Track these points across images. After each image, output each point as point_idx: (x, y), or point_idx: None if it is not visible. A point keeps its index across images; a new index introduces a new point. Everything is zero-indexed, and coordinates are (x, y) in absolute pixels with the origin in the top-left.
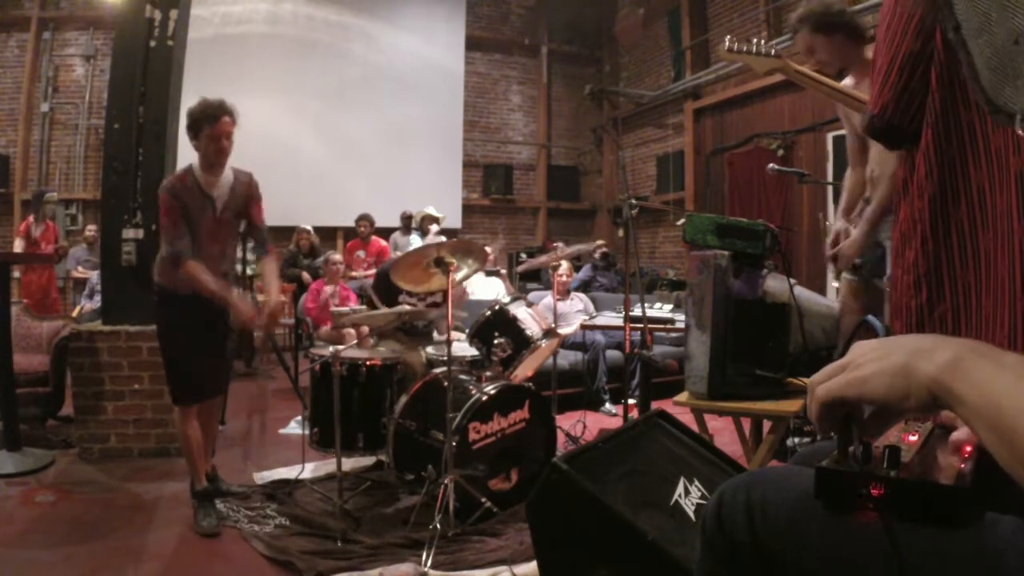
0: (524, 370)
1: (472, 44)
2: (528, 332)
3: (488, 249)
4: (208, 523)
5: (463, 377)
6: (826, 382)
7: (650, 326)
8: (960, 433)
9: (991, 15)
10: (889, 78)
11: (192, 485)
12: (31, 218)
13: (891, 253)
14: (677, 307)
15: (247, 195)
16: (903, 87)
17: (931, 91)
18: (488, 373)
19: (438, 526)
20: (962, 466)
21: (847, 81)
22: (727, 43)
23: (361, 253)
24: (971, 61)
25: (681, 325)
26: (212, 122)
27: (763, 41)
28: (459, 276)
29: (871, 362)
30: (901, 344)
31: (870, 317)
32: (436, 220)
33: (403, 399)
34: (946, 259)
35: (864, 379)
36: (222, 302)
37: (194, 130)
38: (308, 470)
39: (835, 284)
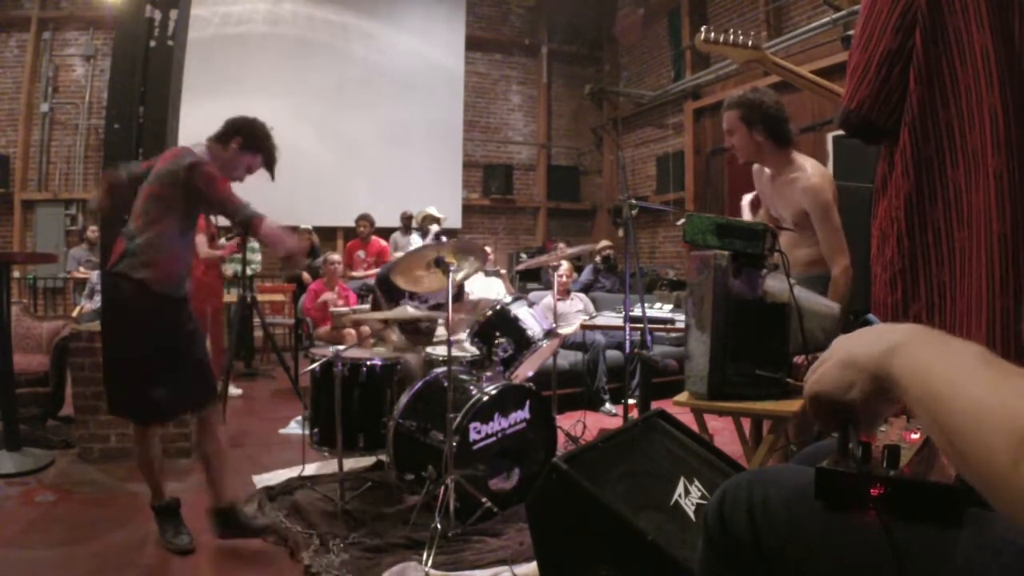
0: (524, 370)
1: (472, 44)
2: (529, 332)
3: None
4: (181, 540)
5: (463, 377)
6: (809, 380)
7: (650, 326)
8: None
9: None
10: (867, 74)
11: (151, 499)
12: None
13: (872, 249)
14: (677, 307)
15: None
16: (881, 83)
17: (909, 90)
18: (488, 373)
19: (438, 526)
20: None
21: (765, 171)
22: (703, 33)
23: (361, 253)
24: None
25: (681, 325)
26: (265, 157)
27: (739, 31)
28: (459, 276)
29: (828, 358)
30: (858, 336)
31: (870, 315)
32: (437, 220)
33: (403, 399)
34: (922, 257)
35: (820, 375)
36: (297, 251)
37: (247, 142)
38: (308, 470)
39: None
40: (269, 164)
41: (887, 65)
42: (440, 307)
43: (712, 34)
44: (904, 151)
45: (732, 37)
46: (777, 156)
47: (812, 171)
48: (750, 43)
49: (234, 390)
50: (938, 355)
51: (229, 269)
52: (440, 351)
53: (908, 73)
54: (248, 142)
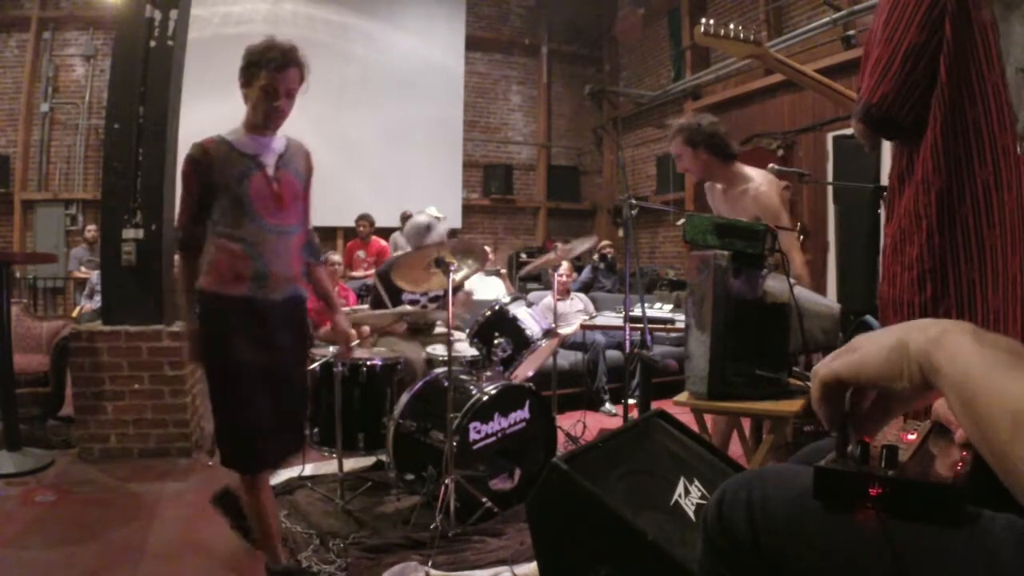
0: (524, 370)
1: (472, 44)
2: (528, 332)
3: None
4: None
5: (463, 377)
6: (829, 363)
7: (650, 326)
8: (961, 433)
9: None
10: (891, 69)
11: (266, 562)
12: None
13: (886, 248)
14: (677, 307)
15: (307, 167)
16: (905, 78)
17: (940, 85)
18: (488, 373)
19: (439, 526)
20: (959, 465)
21: (717, 187)
22: (703, 26)
23: (361, 253)
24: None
25: (681, 325)
26: (273, 70)
27: (740, 26)
28: (459, 276)
29: (869, 342)
30: (899, 326)
31: (868, 317)
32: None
33: (403, 399)
34: (951, 255)
35: (861, 358)
36: (185, 324)
37: (247, 75)
38: (308, 470)
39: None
40: (279, 66)
41: (912, 59)
42: (437, 299)
43: (712, 27)
44: (935, 147)
45: (733, 31)
46: (724, 170)
47: (760, 180)
48: (752, 37)
49: None
50: (976, 347)
51: None
52: (440, 351)
53: (932, 68)
54: (246, 73)
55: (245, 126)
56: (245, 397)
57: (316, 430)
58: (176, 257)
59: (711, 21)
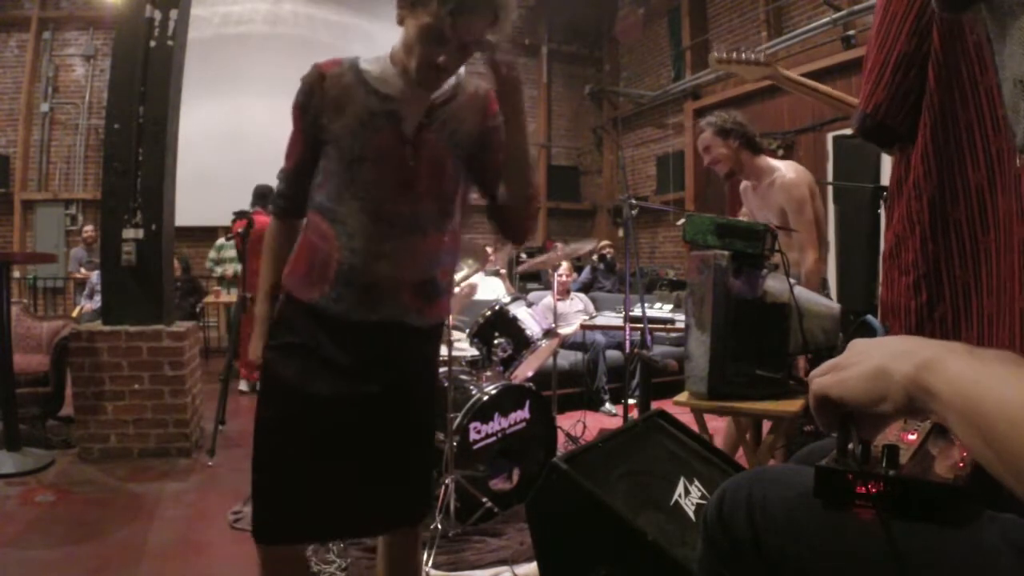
0: (524, 370)
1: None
2: (528, 332)
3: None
4: None
5: (463, 377)
6: (820, 378)
7: (650, 326)
8: None
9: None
10: (883, 78)
11: None
12: None
13: (885, 253)
14: (677, 307)
15: (481, 120)
16: (896, 86)
17: (929, 91)
18: (488, 373)
19: (439, 526)
20: (960, 465)
21: (749, 185)
22: (715, 53)
23: None
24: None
25: (681, 325)
26: (449, 12)
27: (751, 49)
28: (458, 276)
29: (854, 364)
30: (884, 347)
31: (868, 317)
32: None
33: None
34: (945, 260)
35: (844, 381)
36: (259, 330)
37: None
38: None
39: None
40: (459, 8)
41: (903, 68)
42: None
43: (725, 53)
44: (926, 152)
45: (744, 55)
46: (752, 162)
47: (787, 169)
48: (762, 59)
49: (243, 385)
50: (972, 365)
51: (230, 269)
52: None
53: (924, 76)
54: None
55: (392, 58)
56: (281, 447)
57: None
58: (269, 228)
59: (723, 48)
